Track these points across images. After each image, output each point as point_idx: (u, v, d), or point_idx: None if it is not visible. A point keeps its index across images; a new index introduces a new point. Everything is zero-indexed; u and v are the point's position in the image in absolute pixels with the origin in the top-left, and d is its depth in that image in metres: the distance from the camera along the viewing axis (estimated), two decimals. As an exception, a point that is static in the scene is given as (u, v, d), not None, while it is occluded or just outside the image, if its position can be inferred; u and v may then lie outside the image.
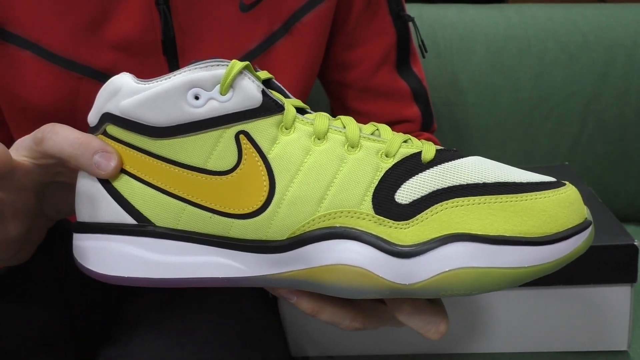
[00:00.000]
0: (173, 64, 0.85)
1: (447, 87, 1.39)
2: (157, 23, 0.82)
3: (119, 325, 0.87)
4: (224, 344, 0.80)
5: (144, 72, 0.85)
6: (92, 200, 0.53)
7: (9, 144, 0.90)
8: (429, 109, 1.05)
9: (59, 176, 0.60)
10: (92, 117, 0.53)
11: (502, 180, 0.51)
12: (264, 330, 0.87)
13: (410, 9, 1.38)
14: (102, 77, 0.83)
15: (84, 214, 0.54)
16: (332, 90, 1.05)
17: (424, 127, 1.05)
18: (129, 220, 0.52)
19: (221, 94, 0.50)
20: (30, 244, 0.62)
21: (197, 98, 0.50)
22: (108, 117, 0.52)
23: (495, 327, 0.95)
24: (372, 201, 0.50)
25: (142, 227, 0.52)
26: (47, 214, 0.63)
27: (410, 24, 1.01)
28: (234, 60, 0.50)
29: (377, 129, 0.53)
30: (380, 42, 0.99)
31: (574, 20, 1.43)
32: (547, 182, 0.52)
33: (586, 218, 0.52)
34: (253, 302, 0.91)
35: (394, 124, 1.03)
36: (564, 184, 0.52)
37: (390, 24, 0.99)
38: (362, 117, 1.02)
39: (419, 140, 0.54)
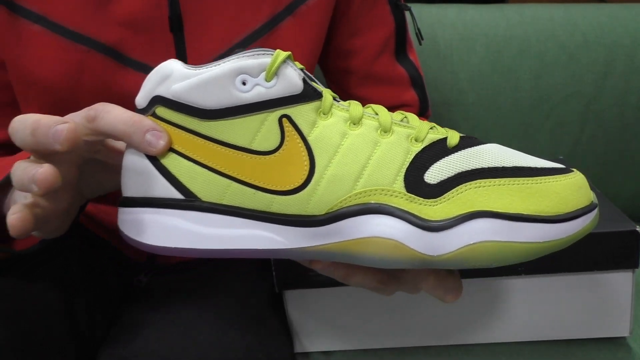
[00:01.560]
0: (179, 42, 0.91)
1: (447, 87, 1.44)
2: (163, 0, 0.89)
3: (121, 326, 0.91)
4: (227, 345, 0.83)
5: (150, 49, 0.91)
6: (141, 176, 0.59)
7: None
8: (425, 94, 1.13)
9: (98, 154, 0.66)
10: (141, 100, 0.60)
11: (519, 165, 0.58)
12: (268, 331, 0.90)
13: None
14: (109, 51, 0.89)
15: (131, 189, 0.60)
16: (334, 78, 1.12)
17: (421, 112, 1.13)
18: (176, 195, 0.59)
19: (266, 80, 0.57)
20: (68, 218, 0.68)
21: (244, 83, 0.57)
22: (158, 100, 0.59)
23: (495, 317, 0.99)
24: (404, 181, 0.57)
25: (190, 201, 0.59)
26: (82, 192, 0.69)
27: (407, 13, 1.09)
28: (278, 50, 0.58)
29: (406, 117, 0.61)
30: (380, 30, 1.07)
31: (574, 20, 1.48)
32: (558, 168, 0.59)
33: (592, 201, 0.59)
34: (258, 302, 0.94)
35: (394, 109, 1.10)
36: (572, 171, 0.60)
37: (389, 13, 1.07)
38: (364, 103, 1.09)
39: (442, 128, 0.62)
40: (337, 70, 1.11)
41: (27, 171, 0.56)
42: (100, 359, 0.85)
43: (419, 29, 1.12)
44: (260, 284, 0.99)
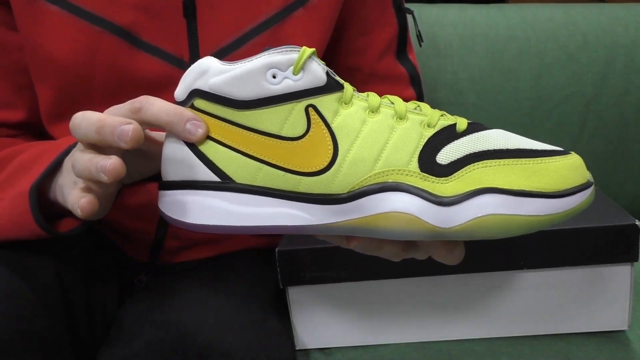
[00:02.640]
0: (192, 27, 1.00)
1: (447, 87, 1.54)
2: None
3: (121, 326, 0.97)
4: (227, 345, 0.89)
5: (163, 33, 1.00)
6: (181, 162, 0.70)
7: (34, 105, 1.06)
8: (421, 91, 1.25)
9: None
10: (180, 93, 0.70)
11: (521, 147, 0.69)
12: (269, 331, 0.96)
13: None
14: (122, 33, 0.98)
15: (171, 174, 0.71)
16: (340, 76, 1.22)
17: None
18: (213, 177, 0.69)
19: (294, 74, 0.68)
20: (111, 203, 0.78)
21: (274, 77, 0.68)
22: (197, 93, 0.69)
23: (495, 312, 1.06)
24: (418, 162, 0.68)
25: (225, 183, 0.69)
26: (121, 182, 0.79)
27: (410, 16, 1.21)
28: (304, 47, 0.68)
29: (418, 106, 0.72)
30: (386, 31, 1.19)
31: (574, 20, 1.57)
32: (557, 150, 0.70)
33: (588, 179, 0.70)
34: (259, 303, 1.02)
35: None
36: (570, 153, 0.70)
37: (394, 16, 1.19)
38: None
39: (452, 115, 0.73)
40: (344, 68, 1.21)
41: (94, 161, 0.66)
42: (99, 359, 0.91)
43: (419, 32, 1.24)
44: (261, 284, 1.08)
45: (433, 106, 1.49)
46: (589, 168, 1.57)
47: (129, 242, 1.12)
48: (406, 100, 1.20)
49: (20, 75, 1.04)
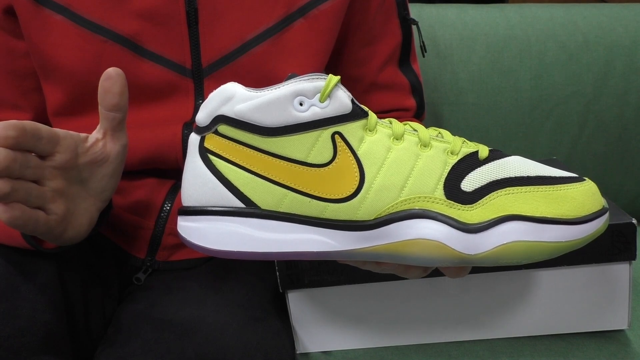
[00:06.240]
0: (194, 35, 1.02)
1: (447, 87, 1.54)
2: None
3: (118, 325, 0.97)
4: (224, 345, 0.89)
5: (166, 41, 1.02)
6: (204, 187, 0.71)
7: (40, 107, 1.09)
8: (422, 100, 1.26)
9: (86, 157, 0.81)
10: (204, 119, 0.71)
11: (541, 175, 0.71)
12: (267, 331, 0.96)
13: (411, 9, 1.50)
14: (126, 42, 1.00)
15: (193, 199, 0.72)
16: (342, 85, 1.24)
17: (415, 116, 1.27)
18: (238, 203, 0.70)
19: (321, 101, 0.69)
20: (78, 224, 0.82)
21: (301, 104, 0.69)
22: (222, 119, 0.70)
23: (494, 313, 1.06)
24: (444, 189, 0.70)
25: (250, 209, 0.70)
26: (95, 197, 0.83)
27: (414, 26, 1.23)
28: (330, 75, 0.69)
29: (440, 133, 0.73)
30: (389, 41, 1.20)
31: (574, 20, 1.58)
32: (573, 177, 0.72)
33: (604, 205, 0.72)
34: (258, 302, 1.02)
35: (391, 112, 1.24)
36: (585, 179, 0.73)
37: (398, 26, 1.20)
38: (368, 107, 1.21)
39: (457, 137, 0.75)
40: (346, 78, 1.23)
41: None
42: (97, 359, 0.92)
43: (423, 42, 1.26)
44: (260, 284, 1.08)
45: (434, 106, 1.51)
46: (588, 168, 1.59)
47: (127, 238, 1.12)
48: (406, 109, 1.24)
49: (27, 80, 1.08)
